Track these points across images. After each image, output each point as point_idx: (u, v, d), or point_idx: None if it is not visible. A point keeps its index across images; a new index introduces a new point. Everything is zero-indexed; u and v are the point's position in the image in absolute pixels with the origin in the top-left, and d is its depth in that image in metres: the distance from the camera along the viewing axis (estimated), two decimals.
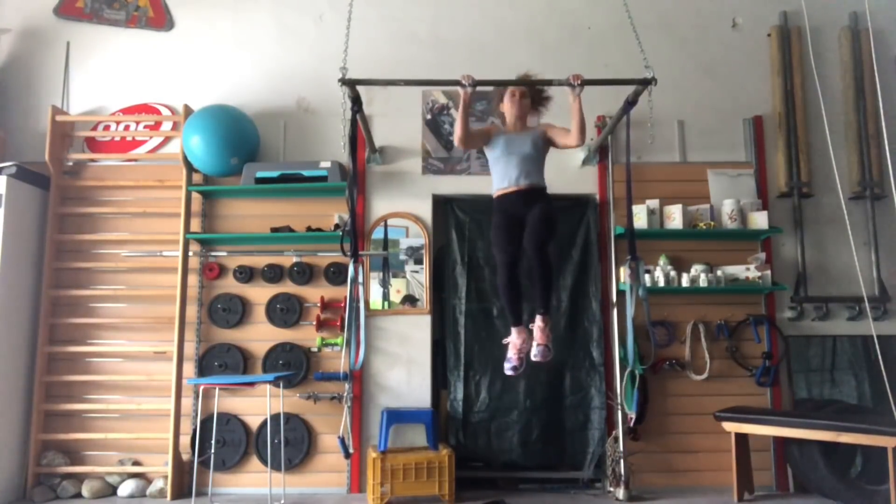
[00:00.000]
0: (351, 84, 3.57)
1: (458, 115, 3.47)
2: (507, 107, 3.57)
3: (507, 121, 3.60)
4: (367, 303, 4.55)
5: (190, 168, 4.65)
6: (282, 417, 4.42)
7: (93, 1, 5.02)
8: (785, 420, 4.07)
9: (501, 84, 3.58)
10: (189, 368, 4.56)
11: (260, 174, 4.55)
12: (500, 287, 3.44)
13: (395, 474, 4.13)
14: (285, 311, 4.64)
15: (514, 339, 3.43)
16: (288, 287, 4.68)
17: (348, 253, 3.66)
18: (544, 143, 3.52)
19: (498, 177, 3.49)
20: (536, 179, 3.44)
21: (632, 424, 4.37)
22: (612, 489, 4.38)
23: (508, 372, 3.41)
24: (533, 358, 3.36)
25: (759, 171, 4.82)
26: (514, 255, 3.33)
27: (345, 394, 4.43)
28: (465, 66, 3.96)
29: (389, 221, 4.76)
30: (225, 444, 4.49)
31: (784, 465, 4.48)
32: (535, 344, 3.36)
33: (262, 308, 4.65)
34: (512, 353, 3.41)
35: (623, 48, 4.38)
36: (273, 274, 4.66)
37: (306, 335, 4.62)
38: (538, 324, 3.37)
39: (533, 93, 3.60)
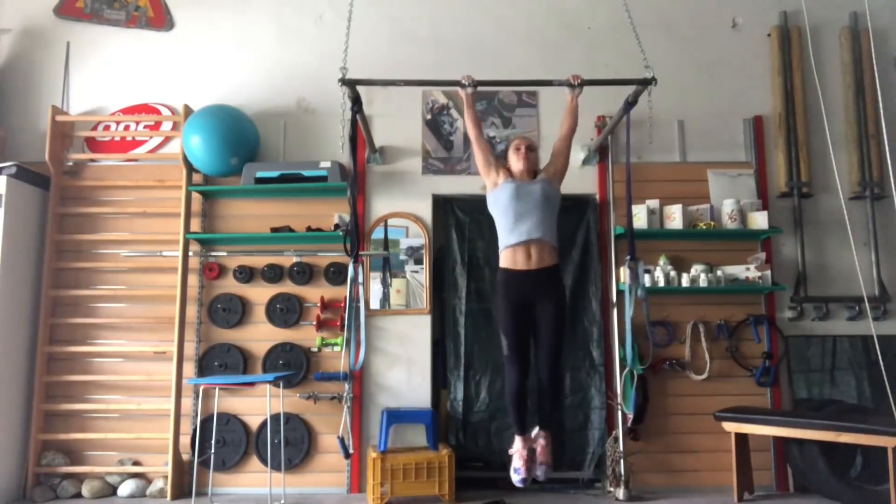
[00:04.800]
0: (351, 84, 3.58)
1: (466, 115, 3.52)
2: (513, 161, 3.50)
3: (513, 174, 3.50)
4: (367, 303, 4.55)
5: (190, 168, 4.65)
6: (282, 417, 4.42)
7: (93, 1, 5.02)
8: (785, 420, 4.07)
9: (501, 84, 3.60)
10: (189, 368, 4.56)
11: (260, 174, 4.55)
12: (506, 395, 3.43)
13: (395, 474, 4.13)
14: (285, 311, 4.64)
15: (519, 448, 3.37)
16: (288, 287, 4.68)
17: (349, 253, 3.66)
18: (553, 188, 3.46)
19: (505, 230, 3.37)
20: (547, 234, 3.34)
21: (630, 424, 4.37)
22: (612, 489, 4.38)
23: (518, 485, 3.36)
24: (535, 476, 3.36)
25: (759, 171, 4.82)
26: (525, 368, 3.31)
27: (345, 394, 4.44)
28: (465, 66, 3.98)
29: (389, 221, 4.76)
30: (225, 444, 4.49)
31: (784, 465, 4.48)
32: (538, 462, 3.35)
33: (262, 308, 4.65)
34: (519, 464, 3.35)
35: (623, 48, 4.38)
36: (273, 274, 4.66)
37: (306, 335, 4.61)
38: (541, 441, 3.37)
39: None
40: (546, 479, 3.41)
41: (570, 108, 3.56)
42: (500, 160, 3.61)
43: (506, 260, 3.37)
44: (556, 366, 3.33)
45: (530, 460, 3.36)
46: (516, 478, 3.37)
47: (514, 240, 3.32)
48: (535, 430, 3.42)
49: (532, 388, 3.43)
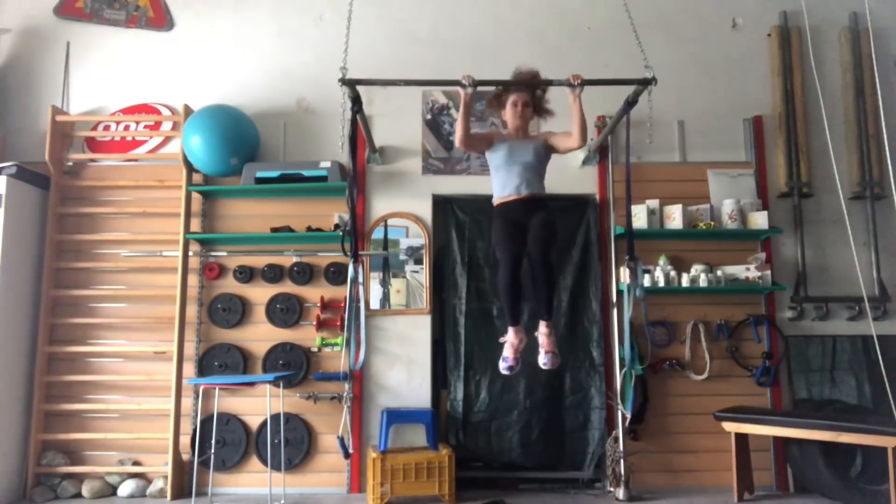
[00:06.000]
0: (351, 84, 3.58)
1: (458, 116, 3.48)
2: (510, 115, 3.57)
3: (508, 129, 3.60)
4: (367, 303, 4.55)
5: (190, 168, 4.65)
6: (282, 417, 4.42)
7: (93, 1, 5.02)
8: (785, 420, 4.07)
9: (501, 84, 3.58)
10: (189, 368, 4.56)
11: (260, 174, 4.55)
12: (500, 285, 3.44)
13: (395, 474, 4.13)
14: (285, 311, 4.64)
15: (511, 339, 3.44)
16: (288, 287, 4.68)
17: (349, 253, 3.66)
18: (546, 152, 3.54)
19: (499, 185, 3.49)
20: (538, 189, 3.46)
21: (627, 424, 4.37)
22: (612, 489, 4.38)
23: (504, 371, 3.44)
24: (542, 366, 3.40)
25: (759, 171, 4.82)
26: (517, 253, 3.34)
27: (345, 394, 4.44)
28: (465, 66, 3.96)
29: (389, 221, 4.76)
30: (225, 444, 4.49)
31: (784, 465, 4.48)
32: (542, 352, 3.39)
33: (262, 308, 4.65)
34: (508, 353, 3.43)
35: (623, 48, 4.38)
36: (273, 274, 4.66)
37: (306, 335, 4.61)
38: (543, 330, 3.40)
39: (535, 101, 3.59)
40: (555, 367, 3.40)
41: (577, 121, 3.42)
42: (489, 131, 3.69)
43: (499, 201, 3.49)
44: (548, 259, 3.32)
45: (519, 350, 3.42)
46: (503, 365, 3.43)
47: (506, 192, 3.45)
48: (540, 325, 3.44)
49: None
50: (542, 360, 3.40)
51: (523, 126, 3.56)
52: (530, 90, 3.57)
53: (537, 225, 3.34)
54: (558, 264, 4.60)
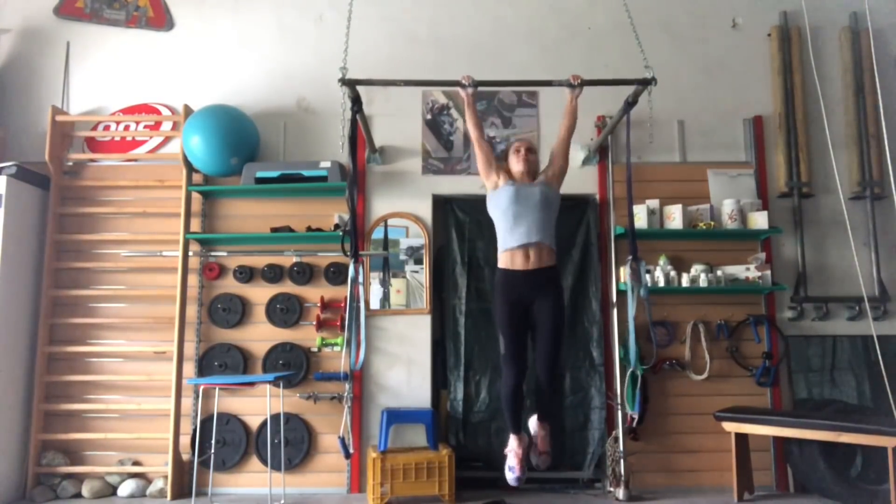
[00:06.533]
0: (351, 84, 3.58)
1: (467, 117, 3.52)
2: (513, 162, 3.48)
3: (514, 176, 3.48)
4: (367, 303, 4.55)
5: (190, 168, 4.65)
6: (282, 417, 4.42)
7: (93, 1, 5.02)
8: (785, 420, 4.07)
9: (501, 84, 3.60)
10: (189, 368, 4.56)
11: (260, 174, 4.55)
12: (502, 397, 3.38)
13: (395, 474, 4.13)
14: (285, 311, 4.64)
15: (514, 447, 3.36)
16: (288, 287, 4.68)
17: (349, 253, 3.66)
18: (553, 191, 3.44)
19: (505, 230, 3.35)
20: (546, 238, 3.31)
21: (634, 425, 4.37)
22: (612, 489, 4.38)
23: (513, 483, 3.36)
24: (535, 466, 3.34)
25: (759, 171, 4.82)
26: (521, 369, 3.27)
27: (345, 394, 4.44)
28: (465, 65, 3.98)
29: (389, 221, 4.76)
30: (225, 444, 4.49)
31: (784, 465, 4.48)
32: (538, 452, 3.34)
33: (262, 308, 4.65)
34: (514, 462, 3.35)
35: (623, 48, 4.38)
36: (273, 274, 4.66)
37: (306, 335, 4.61)
38: (539, 431, 3.35)
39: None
40: (546, 468, 3.39)
41: (569, 109, 3.54)
42: (500, 162, 3.59)
43: (504, 261, 3.37)
44: (555, 365, 3.28)
45: (525, 459, 3.35)
46: (511, 476, 3.37)
47: (512, 243, 3.32)
48: (534, 421, 3.40)
49: (530, 387, 3.42)
50: (535, 461, 3.34)
51: (528, 172, 3.46)
52: (531, 142, 3.57)
53: (546, 318, 3.24)
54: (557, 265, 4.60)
